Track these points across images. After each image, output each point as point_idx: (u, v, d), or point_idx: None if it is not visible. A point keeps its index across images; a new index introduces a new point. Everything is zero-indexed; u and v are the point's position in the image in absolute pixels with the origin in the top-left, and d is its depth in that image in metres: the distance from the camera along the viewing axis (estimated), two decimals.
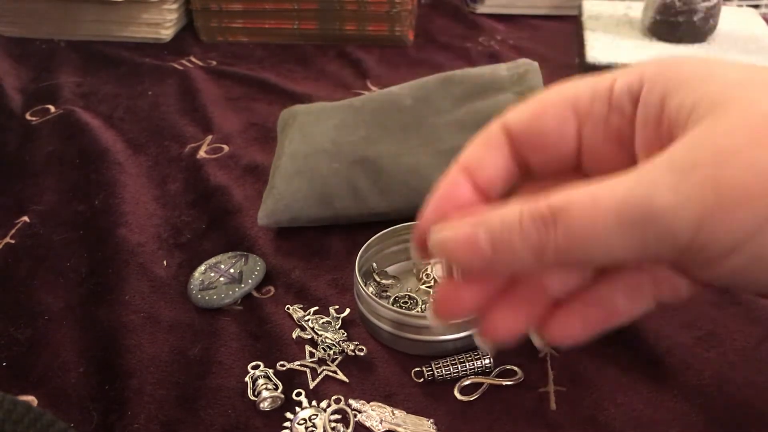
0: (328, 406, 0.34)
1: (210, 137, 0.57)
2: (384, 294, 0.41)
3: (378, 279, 0.41)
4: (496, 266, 0.22)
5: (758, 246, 0.19)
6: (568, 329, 0.25)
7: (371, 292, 0.38)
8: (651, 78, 0.23)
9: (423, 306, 0.39)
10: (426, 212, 0.26)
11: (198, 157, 0.54)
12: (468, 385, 0.35)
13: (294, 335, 0.38)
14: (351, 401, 0.34)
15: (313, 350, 0.37)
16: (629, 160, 0.24)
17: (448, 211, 0.26)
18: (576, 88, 0.25)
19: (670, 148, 0.20)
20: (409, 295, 0.40)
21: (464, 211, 0.24)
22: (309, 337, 0.38)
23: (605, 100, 0.24)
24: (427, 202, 0.26)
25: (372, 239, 0.40)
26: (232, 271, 0.42)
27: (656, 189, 0.19)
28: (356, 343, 0.37)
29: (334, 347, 0.36)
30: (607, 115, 0.24)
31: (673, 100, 0.22)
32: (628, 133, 0.24)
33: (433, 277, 0.41)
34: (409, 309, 0.39)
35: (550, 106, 0.25)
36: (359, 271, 0.38)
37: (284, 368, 0.36)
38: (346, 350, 0.36)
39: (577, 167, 0.26)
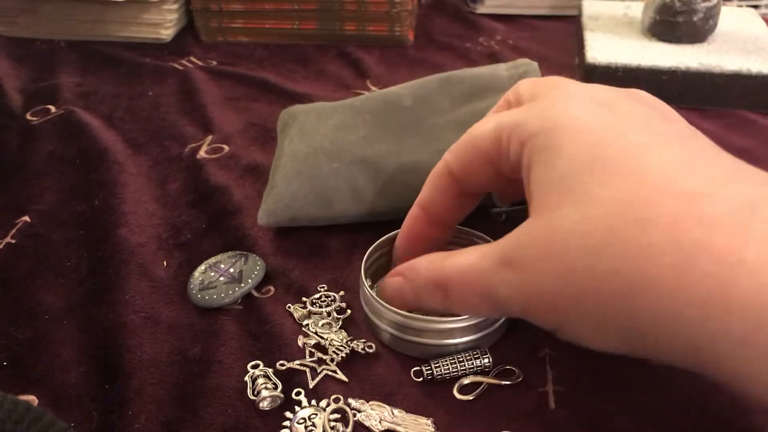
0: (328, 405, 0.34)
1: (210, 137, 0.57)
2: None
3: None
4: (419, 307, 0.34)
5: (570, 330, 0.28)
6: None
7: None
8: (532, 143, 0.28)
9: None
10: (399, 239, 0.39)
11: (198, 157, 0.54)
12: (467, 384, 0.35)
13: (294, 335, 0.38)
14: (350, 400, 0.34)
15: (313, 350, 0.37)
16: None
17: (414, 241, 0.38)
18: (483, 138, 0.32)
19: (504, 241, 0.29)
20: None
21: (424, 243, 0.37)
22: (309, 336, 0.38)
23: (503, 153, 0.31)
24: (401, 231, 0.39)
25: (379, 241, 0.40)
26: (232, 270, 0.42)
27: (494, 281, 0.29)
28: (364, 340, 0.37)
29: (344, 348, 0.36)
30: (502, 162, 0.32)
31: (534, 173, 0.28)
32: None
33: None
34: None
35: (474, 155, 0.33)
36: (365, 272, 0.38)
37: (284, 368, 0.36)
38: (356, 349, 0.36)
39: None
